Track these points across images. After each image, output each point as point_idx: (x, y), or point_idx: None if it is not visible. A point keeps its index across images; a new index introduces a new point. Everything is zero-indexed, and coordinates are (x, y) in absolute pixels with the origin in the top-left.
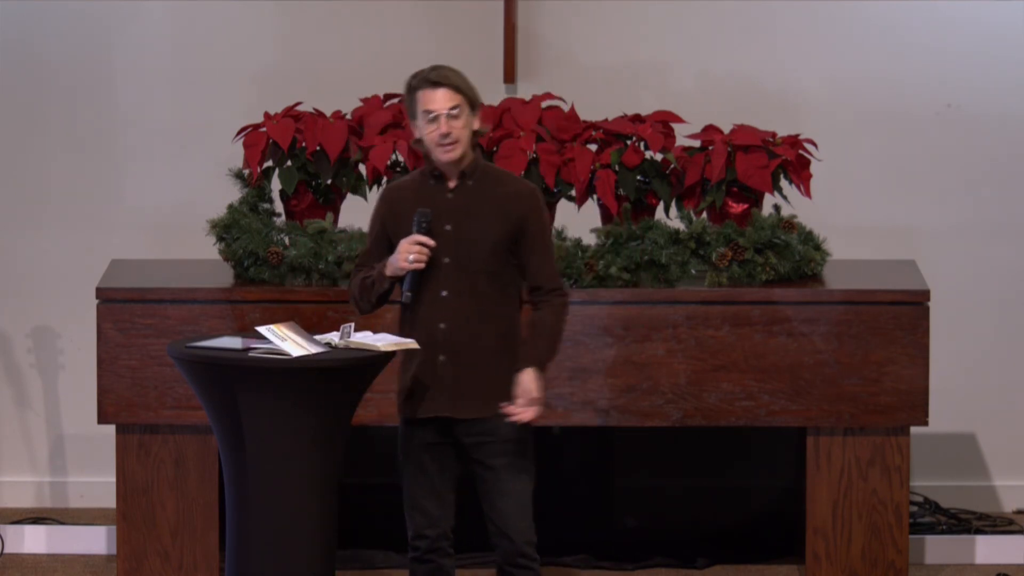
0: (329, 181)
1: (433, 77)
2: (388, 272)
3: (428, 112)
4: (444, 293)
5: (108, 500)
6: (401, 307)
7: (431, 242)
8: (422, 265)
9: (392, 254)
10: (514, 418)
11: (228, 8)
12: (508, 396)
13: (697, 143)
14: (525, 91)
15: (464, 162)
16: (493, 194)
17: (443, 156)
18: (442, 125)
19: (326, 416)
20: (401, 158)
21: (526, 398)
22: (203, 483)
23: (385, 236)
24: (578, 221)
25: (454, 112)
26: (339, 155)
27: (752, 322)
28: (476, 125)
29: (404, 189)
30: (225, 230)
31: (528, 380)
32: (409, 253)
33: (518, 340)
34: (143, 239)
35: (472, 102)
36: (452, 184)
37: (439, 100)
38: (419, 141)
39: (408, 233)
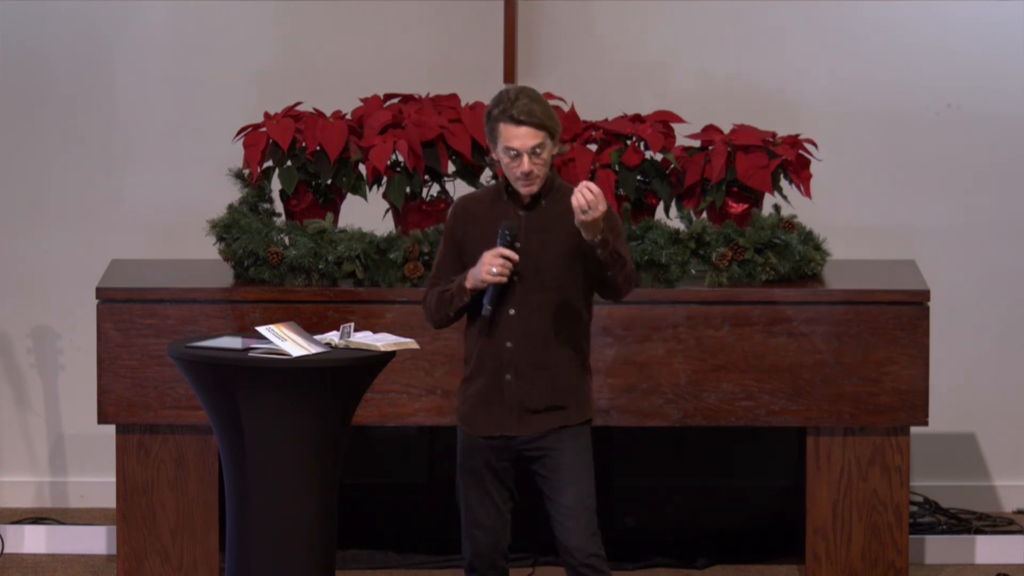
0: (329, 181)
1: (516, 114)
2: (468, 285)
3: (510, 149)
4: (512, 312)
5: (108, 500)
6: (467, 322)
7: (515, 256)
8: (505, 279)
9: (467, 267)
10: (582, 202)
11: (228, 8)
12: (573, 408)
13: (697, 143)
14: None
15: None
16: (561, 212)
17: (522, 190)
18: (524, 164)
19: (326, 416)
20: (401, 158)
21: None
22: (203, 483)
23: (456, 250)
24: None
25: (537, 151)
26: (339, 155)
27: (752, 322)
28: (555, 151)
29: (477, 202)
30: (225, 230)
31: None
32: (492, 266)
33: (586, 356)
34: (143, 239)
35: (554, 133)
36: (525, 202)
37: (522, 138)
38: (497, 161)
39: (482, 246)
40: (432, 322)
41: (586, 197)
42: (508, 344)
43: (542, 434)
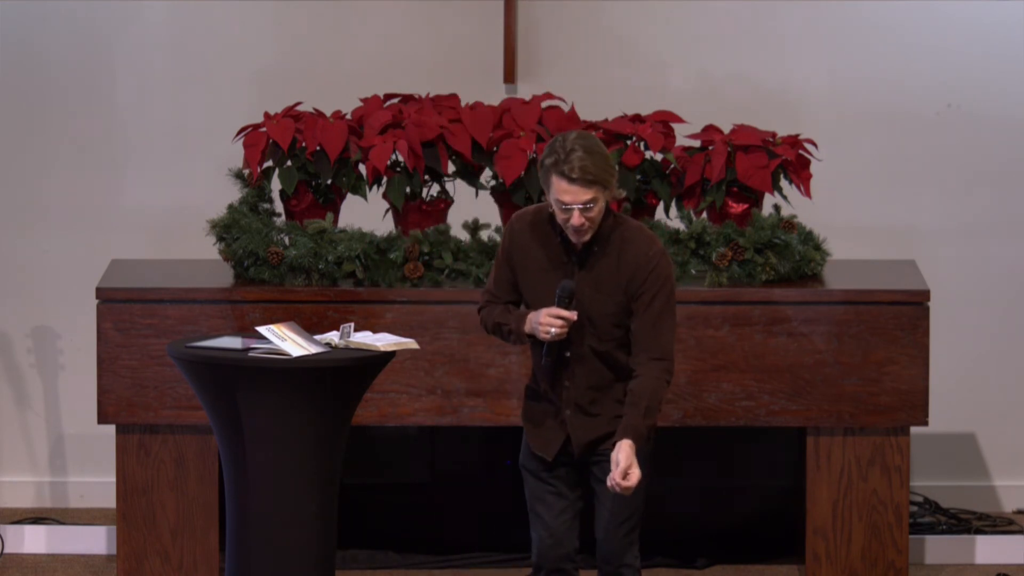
0: (329, 181)
1: (567, 171)
2: (527, 330)
3: (560, 202)
4: (567, 355)
5: (108, 500)
6: (531, 339)
7: (573, 316)
8: (562, 337)
9: (521, 290)
10: (618, 490)
11: (228, 8)
12: None
13: (697, 143)
14: (525, 91)
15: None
16: (616, 262)
17: (573, 239)
18: (574, 218)
19: (326, 416)
20: (401, 158)
21: (619, 471)
22: (203, 483)
23: (509, 266)
24: None
25: (588, 205)
26: (339, 155)
27: (752, 322)
28: (610, 197)
29: (532, 230)
30: (225, 230)
31: (621, 454)
32: (551, 327)
33: None
34: (143, 239)
35: (607, 185)
36: (577, 248)
37: (573, 194)
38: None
39: (535, 280)
40: (487, 333)
41: (618, 491)
42: (566, 383)
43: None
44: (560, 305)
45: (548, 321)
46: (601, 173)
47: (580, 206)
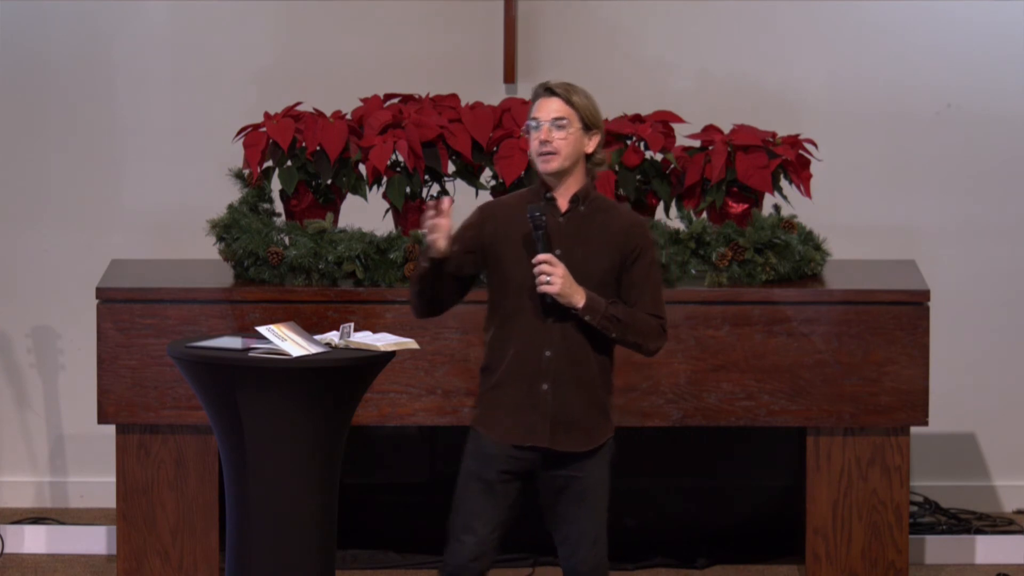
0: (329, 181)
1: (552, 85)
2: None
3: (534, 119)
4: (551, 320)
5: (108, 500)
6: (490, 329)
7: (547, 256)
8: (438, 242)
9: (469, 267)
10: (540, 272)
11: (228, 8)
12: (601, 426)
13: (697, 143)
14: (525, 91)
15: (574, 186)
16: (604, 225)
17: (540, 166)
18: (542, 132)
19: (326, 416)
20: (401, 158)
21: (555, 268)
22: (203, 483)
23: (477, 247)
24: None
25: (559, 123)
26: (339, 155)
27: (752, 322)
28: (589, 149)
29: (508, 208)
30: (225, 230)
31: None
32: (540, 274)
33: (611, 372)
34: (143, 239)
35: (587, 122)
36: (563, 208)
37: (547, 108)
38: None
39: (513, 253)
40: (414, 309)
41: (541, 270)
42: (547, 353)
43: (568, 460)
44: (537, 231)
45: (540, 269)
46: (581, 104)
47: (550, 120)
